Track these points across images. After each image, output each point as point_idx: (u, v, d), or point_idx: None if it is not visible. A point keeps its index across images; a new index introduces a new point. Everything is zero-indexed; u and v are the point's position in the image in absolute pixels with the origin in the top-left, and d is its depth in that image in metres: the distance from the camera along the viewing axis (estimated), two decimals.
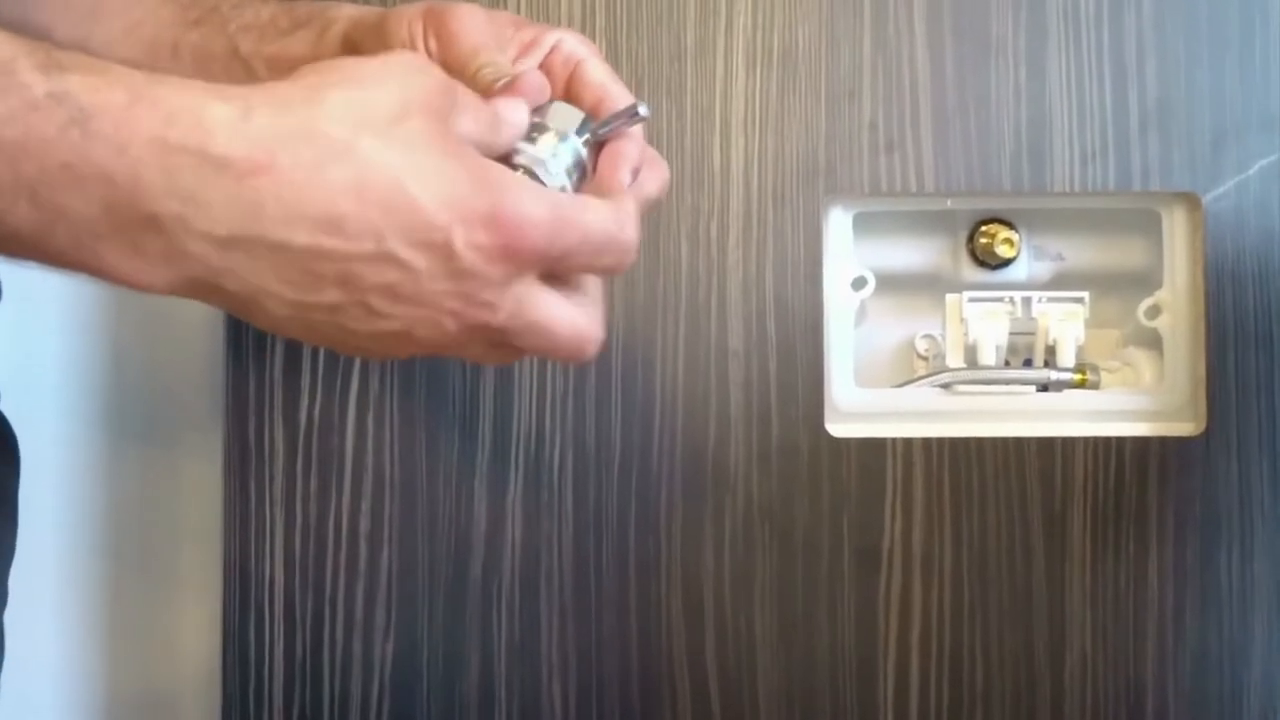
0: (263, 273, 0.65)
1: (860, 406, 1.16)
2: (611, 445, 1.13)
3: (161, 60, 0.88)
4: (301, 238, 0.65)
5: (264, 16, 0.89)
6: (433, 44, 0.81)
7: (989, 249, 1.17)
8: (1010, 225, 1.17)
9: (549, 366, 1.13)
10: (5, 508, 0.95)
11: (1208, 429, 1.12)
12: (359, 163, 0.65)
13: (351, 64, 0.69)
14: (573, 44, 0.84)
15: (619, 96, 0.82)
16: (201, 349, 1.38)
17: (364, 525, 1.13)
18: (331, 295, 0.67)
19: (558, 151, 0.77)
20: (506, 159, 0.75)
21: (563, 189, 0.76)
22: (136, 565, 1.39)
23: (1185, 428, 1.14)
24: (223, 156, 0.63)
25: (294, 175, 0.64)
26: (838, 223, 1.16)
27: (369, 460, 1.13)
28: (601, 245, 0.72)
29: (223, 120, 0.63)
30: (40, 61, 0.62)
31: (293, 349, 1.14)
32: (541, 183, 0.75)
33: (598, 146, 0.80)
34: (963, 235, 1.19)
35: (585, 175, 0.79)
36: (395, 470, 1.13)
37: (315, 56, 0.85)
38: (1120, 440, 1.12)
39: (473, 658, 1.13)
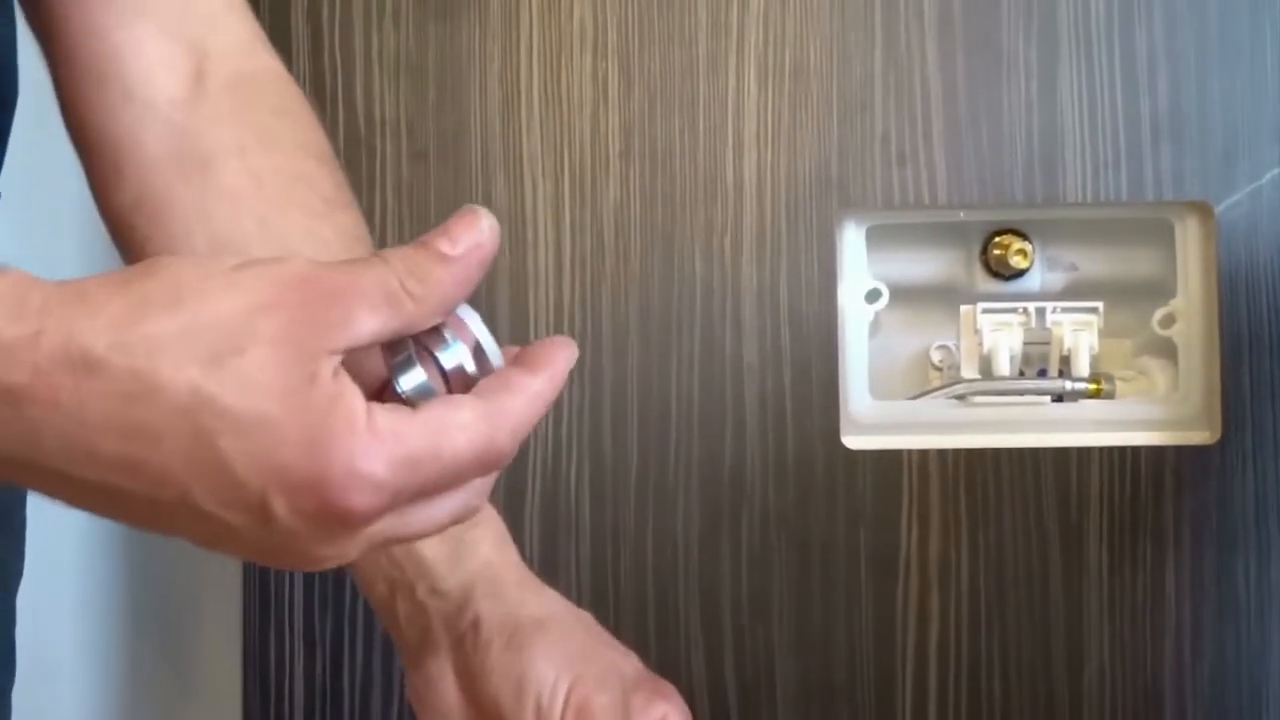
0: (56, 490, 0.58)
1: (876, 418, 1.16)
2: (628, 459, 1.13)
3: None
4: (90, 474, 0.56)
5: None
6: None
7: (1002, 260, 1.17)
8: (1024, 236, 1.18)
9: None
10: (11, 526, 0.95)
11: (1223, 437, 1.12)
12: (161, 406, 0.55)
13: (194, 273, 0.57)
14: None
15: None
16: None
17: None
18: (141, 518, 0.58)
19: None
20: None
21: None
22: (155, 584, 1.40)
23: (1200, 436, 1.14)
24: None
25: (80, 413, 0.55)
26: (851, 236, 1.16)
27: None
28: (468, 467, 0.60)
29: (6, 344, 0.55)
30: None
31: None
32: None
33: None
34: (976, 246, 1.19)
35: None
36: None
37: (433, 577, 0.80)
38: (1135, 450, 1.13)
39: None
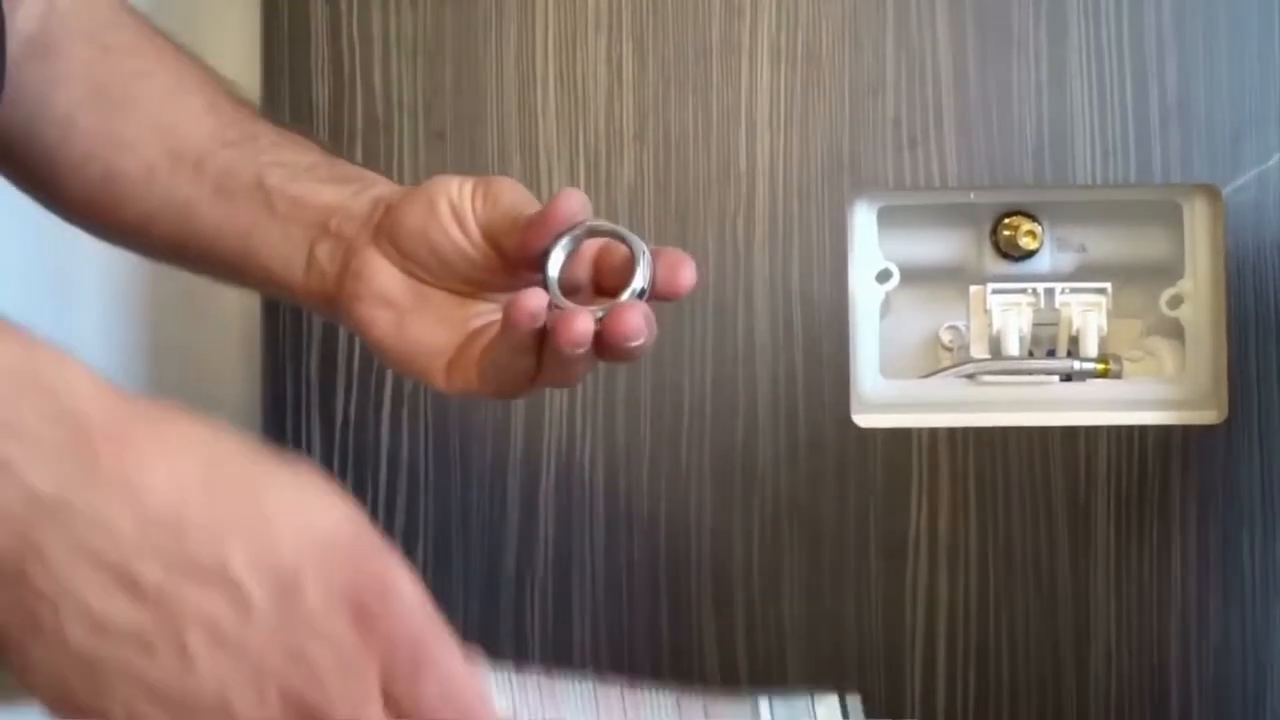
0: (73, 560, 0.54)
1: (886, 397, 1.17)
2: (641, 441, 1.14)
3: (183, 173, 0.87)
4: (127, 518, 0.54)
5: (302, 162, 0.87)
6: (479, 203, 0.81)
7: (1012, 241, 1.18)
8: (1033, 217, 1.19)
9: None
10: None
11: (1230, 417, 1.13)
12: (215, 462, 0.57)
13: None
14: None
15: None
16: (238, 345, 1.39)
17: (399, 521, 1.15)
18: (143, 616, 0.54)
19: None
20: None
21: None
22: None
23: (1208, 416, 1.15)
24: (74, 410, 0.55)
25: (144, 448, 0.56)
26: (862, 217, 1.17)
27: (404, 456, 1.15)
28: (451, 694, 0.60)
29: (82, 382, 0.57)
30: None
31: (329, 346, 1.15)
32: None
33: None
34: (986, 227, 1.20)
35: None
36: (430, 466, 1.15)
37: (342, 208, 0.84)
38: (1143, 429, 1.14)
39: (506, 653, 1.14)
